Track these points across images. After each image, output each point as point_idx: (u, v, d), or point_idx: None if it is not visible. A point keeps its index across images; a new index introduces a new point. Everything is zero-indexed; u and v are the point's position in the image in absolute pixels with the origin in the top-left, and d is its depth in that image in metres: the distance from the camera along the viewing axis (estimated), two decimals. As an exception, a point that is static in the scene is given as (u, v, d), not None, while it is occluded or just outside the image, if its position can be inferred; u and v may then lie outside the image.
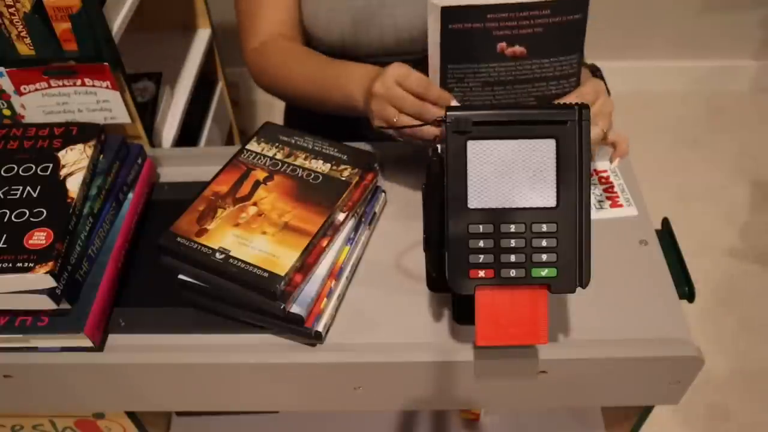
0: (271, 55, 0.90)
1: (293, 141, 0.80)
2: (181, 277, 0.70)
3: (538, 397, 0.72)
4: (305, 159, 0.77)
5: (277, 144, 0.79)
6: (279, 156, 0.78)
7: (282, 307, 0.65)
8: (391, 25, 0.92)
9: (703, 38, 2.06)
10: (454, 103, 0.70)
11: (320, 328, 0.67)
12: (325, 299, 0.69)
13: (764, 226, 1.79)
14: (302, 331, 0.67)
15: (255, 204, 0.72)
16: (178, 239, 0.68)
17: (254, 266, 0.66)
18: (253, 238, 0.68)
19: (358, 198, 0.75)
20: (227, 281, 0.67)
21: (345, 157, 0.78)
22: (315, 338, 0.68)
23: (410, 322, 0.70)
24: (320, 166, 0.77)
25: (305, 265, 0.68)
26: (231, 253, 0.67)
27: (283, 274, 0.65)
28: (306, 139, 0.80)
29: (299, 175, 0.76)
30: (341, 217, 0.73)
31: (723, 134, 2.04)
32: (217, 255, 0.67)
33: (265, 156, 0.78)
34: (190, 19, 1.42)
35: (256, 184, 0.74)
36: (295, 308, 0.66)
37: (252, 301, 0.67)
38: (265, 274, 0.65)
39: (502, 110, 0.57)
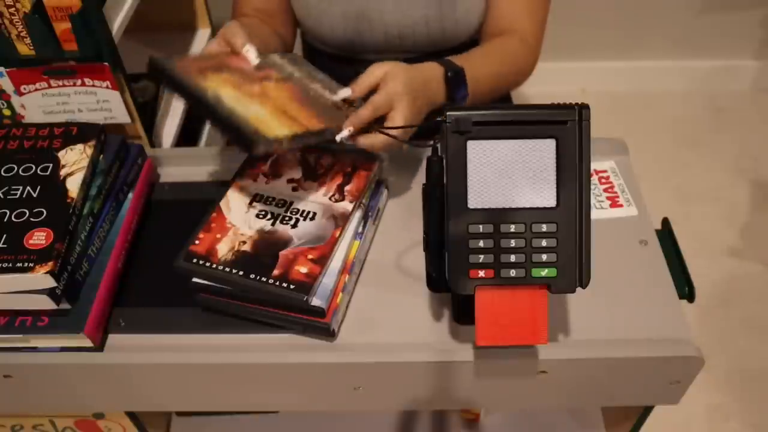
0: None
1: (315, 73, 0.80)
2: (195, 280, 0.69)
3: (538, 397, 0.72)
4: (322, 87, 0.77)
5: (299, 67, 0.79)
6: (297, 75, 0.78)
7: (305, 299, 0.65)
8: (379, 22, 0.93)
9: (703, 38, 2.05)
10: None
11: (335, 324, 0.67)
12: (341, 294, 0.69)
13: (765, 226, 1.79)
14: (320, 325, 0.67)
15: (260, 84, 0.71)
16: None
17: (244, 119, 0.64)
18: (249, 103, 0.67)
19: (362, 186, 0.75)
20: (245, 279, 0.66)
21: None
22: (330, 335, 0.67)
23: (410, 322, 0.70)
24: (332, 97, 0.76)
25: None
26: (224, 101, 0.65)
27: (271, 136, 0.63)
28: (329, 80, 0.79)
29: (311, 93, 0.75)
30: (348, 207, 0.73)
31: (723, 134, 2.04)
32: (209, 94, 0.65)
33: (284, 68, 0.78)
34: (190, 19, 1.42)
35: (268, 78, 0.74)
36: (315, 301, 0.66)
37: (274, 297, 0.66)
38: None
39: (502, 110, 0.57)
